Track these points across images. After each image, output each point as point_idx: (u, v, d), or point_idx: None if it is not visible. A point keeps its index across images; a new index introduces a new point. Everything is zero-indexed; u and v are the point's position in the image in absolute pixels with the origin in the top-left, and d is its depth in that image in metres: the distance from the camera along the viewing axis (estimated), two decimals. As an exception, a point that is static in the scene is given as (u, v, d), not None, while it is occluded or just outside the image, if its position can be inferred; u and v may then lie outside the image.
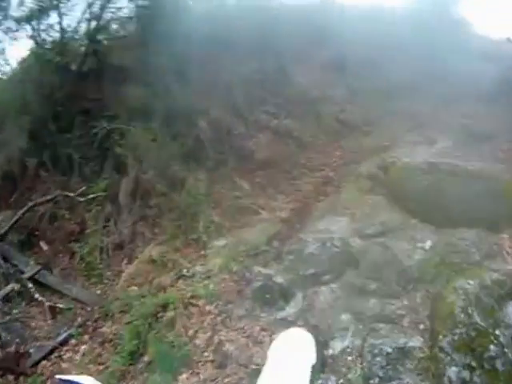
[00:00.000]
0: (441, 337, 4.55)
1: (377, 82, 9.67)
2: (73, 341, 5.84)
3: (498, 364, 4.23)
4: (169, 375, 4.99)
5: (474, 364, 4.28)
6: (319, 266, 5.75)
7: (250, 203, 7.15)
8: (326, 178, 7.65)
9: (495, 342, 4.36)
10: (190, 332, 5.38)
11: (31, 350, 5.70)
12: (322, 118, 9.05)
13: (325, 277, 5.66)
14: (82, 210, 7.29)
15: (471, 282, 4.90)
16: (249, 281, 5.84)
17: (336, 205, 6.84)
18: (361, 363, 4.61)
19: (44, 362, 5.59)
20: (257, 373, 4.76)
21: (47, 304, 6.19)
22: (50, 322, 6.11)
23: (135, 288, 6.39)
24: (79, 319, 6.16)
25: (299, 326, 5.13)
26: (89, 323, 6.06)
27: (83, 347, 5.74)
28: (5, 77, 9.13)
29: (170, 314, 5.58)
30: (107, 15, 8.80)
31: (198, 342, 5.27)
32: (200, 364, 5.04)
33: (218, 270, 6.07)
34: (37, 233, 7.32)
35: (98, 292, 6.66)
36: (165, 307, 5.70)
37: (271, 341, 5.03)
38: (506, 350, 4.30)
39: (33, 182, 7.78)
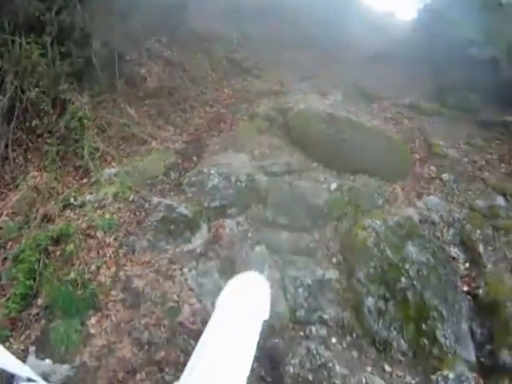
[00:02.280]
0: (357, 269, 4.81)
1: (270, 30, 9.54)
2: None
3: (409, 295, 4.64)
4: (74, 320, 4.43)
5: (388, 295, 4.65)
6: (224, 200, 5.55)
7: (138, 132, 6.58)
8: (218, 114, 7.35)
9: (405, 275, 4.75)
10: (93, 268, 4.83)
11: None
12: (214, 56, 8.69)
13: (230, 210, 5.50)
14: None
15: (377, 222, 5.25)
16: (148, 211, 5.40)
17: (233, 141, 6.63)
18: (284, 295, 4.64)
19: None
20: (176, 311, 4.57)
21: None
22: None
23: (6, 218, 5.51)
24: None
25: (210, 258, 5.00)
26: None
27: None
28: None
29: (67, 247, 4.89)
30: None
31: (102, 279, 4.76)
32: (110, 304, 4.59)
33: (113, 199, 5.52)
34: None
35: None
36: (57, 241, 5.03)
37: (182, 275, 4.84)
38: (414, 282, 4.71)
39: None
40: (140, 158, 6.22)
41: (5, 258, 5.05)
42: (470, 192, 6.03)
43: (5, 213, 5.60)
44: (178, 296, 4.69)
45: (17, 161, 6.21)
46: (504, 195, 6.01)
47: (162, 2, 8.42)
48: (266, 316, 2.25)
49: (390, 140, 6.64)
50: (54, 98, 6.42)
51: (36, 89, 6.20)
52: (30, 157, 6.29)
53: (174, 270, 4.90)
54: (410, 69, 8.17)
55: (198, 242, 5.16)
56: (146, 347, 4.37)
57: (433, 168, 6.41)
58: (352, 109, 7.30)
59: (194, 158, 6.35)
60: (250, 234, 5.26)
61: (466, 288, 4.93)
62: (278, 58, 8.82)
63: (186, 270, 4.89)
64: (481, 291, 4.86)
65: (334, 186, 5.77)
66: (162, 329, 4.48)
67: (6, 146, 6.20)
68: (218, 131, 6.98)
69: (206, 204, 5.51)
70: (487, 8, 8.11)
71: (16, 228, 5.36)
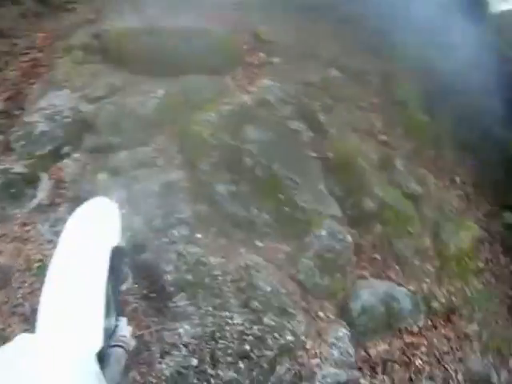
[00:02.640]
0: (199, 163, 4.83)
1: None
2: None
3: (258, 172, 4.78)
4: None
5: (237, 177, 4.73)
6: (55, 142, 5.27)
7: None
8: (34, 60, 6.73)
9: (249, 155, 4.85)
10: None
11: None
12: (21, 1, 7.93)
13: (63, 150, 5.23)
14: None
15: (211, 114, 5.23)
16: (-15, 185, 5.06)
17: (53, 82, 6.16)
18: (136, 209, 4.56)
19: None
20: (43, 269, 4.21)
21: None
22: None
23: None
24: None
25: (58, 204, 4.79)
26: None
27: None
28: None
29: None
30: None
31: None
32: (-20, 295, 4.30)
33: None
34: None
35: None
36: None
37: (37, 232, 4.61)
38: (260, 159, 4.83)
39: None
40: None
41: None
42: (303, 69, 6.15)
43: None
44: (40, 254, 4.44)
45: None
46: (339, 67, 6.28)
47: None
48: (116, 239, 1.97)
49: (215, 36, 6.51)
50: None
51: None
52: None
53: (29, 230, 4.64)
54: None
55: (42, 193, 4.89)
56: (31, 319, 4.05)
57: (263, 55, 6.41)
58: (171, 17, 6.94)
59: (17, 113, 5.85)
60: (88, 167, 5.07)
61: (314, 154, 5.16)
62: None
63: (39, 225, 4.65)
64: (329, 154, 5.13)
65: (161, 92, 5.60)
66: (38, 292, 4.33)
67: None
68: (37, 77, 6.42)
69: (38, 153, 5.19)
70: None
71: None
